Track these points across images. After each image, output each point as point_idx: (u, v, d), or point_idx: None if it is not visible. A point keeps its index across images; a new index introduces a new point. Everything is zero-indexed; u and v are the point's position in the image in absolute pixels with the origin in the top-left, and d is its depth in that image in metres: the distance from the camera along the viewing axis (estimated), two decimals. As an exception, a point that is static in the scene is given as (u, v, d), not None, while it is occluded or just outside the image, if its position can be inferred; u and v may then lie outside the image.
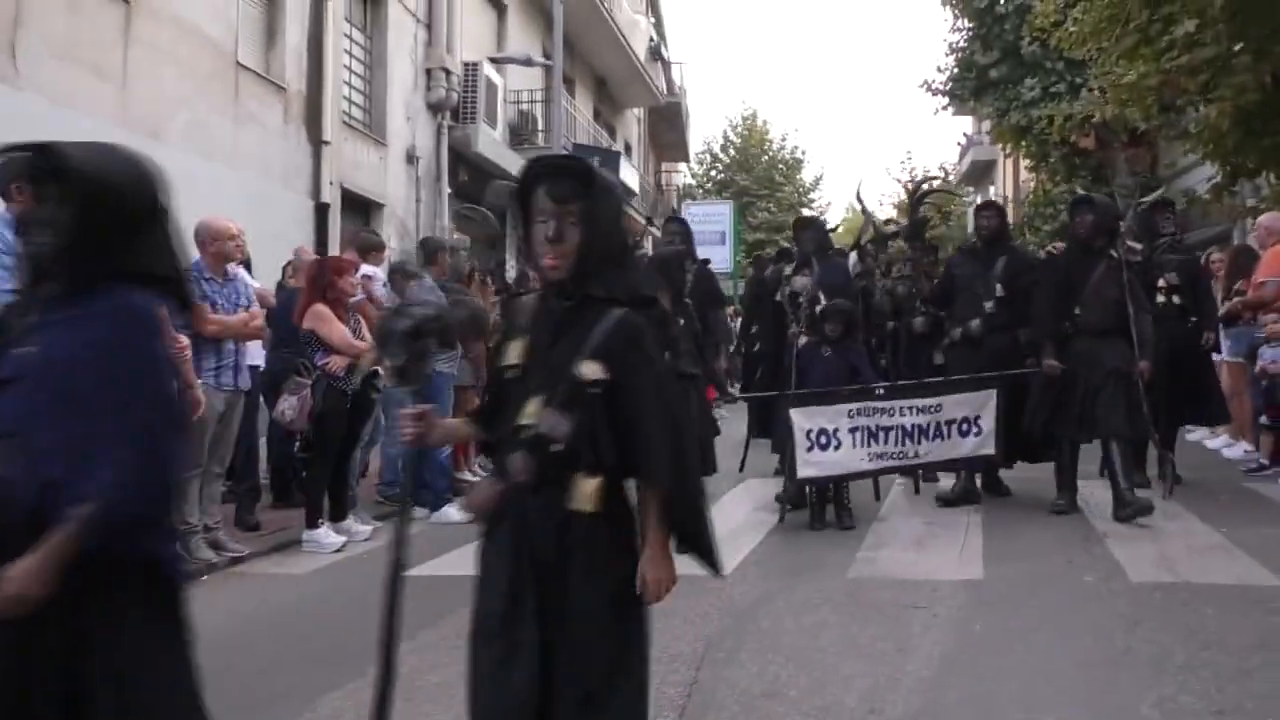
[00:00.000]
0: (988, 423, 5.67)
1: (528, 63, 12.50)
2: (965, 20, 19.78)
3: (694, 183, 34.24)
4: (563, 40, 19.24)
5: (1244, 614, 3.72)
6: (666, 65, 29.07)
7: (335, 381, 5.60)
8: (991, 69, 19.02)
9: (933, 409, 5.66)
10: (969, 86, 19.95)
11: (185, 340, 4.71)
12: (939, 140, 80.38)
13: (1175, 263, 6.71)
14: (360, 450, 6.39)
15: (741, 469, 6.84)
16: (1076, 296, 5.60)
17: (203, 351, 5.12)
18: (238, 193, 9.53)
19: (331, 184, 11.35)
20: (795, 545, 5.25)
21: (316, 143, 11.07)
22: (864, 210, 7.40)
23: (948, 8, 20.00)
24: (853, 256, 6.64)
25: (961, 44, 20.12)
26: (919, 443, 5.66)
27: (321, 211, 11.18)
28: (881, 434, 5.61)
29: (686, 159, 32.23)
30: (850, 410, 5.60)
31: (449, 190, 14.27)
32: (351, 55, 12.29)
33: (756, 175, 33.35)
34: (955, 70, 20.34)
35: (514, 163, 15.64)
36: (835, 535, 5.46)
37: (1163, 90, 10.85)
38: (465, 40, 14.73)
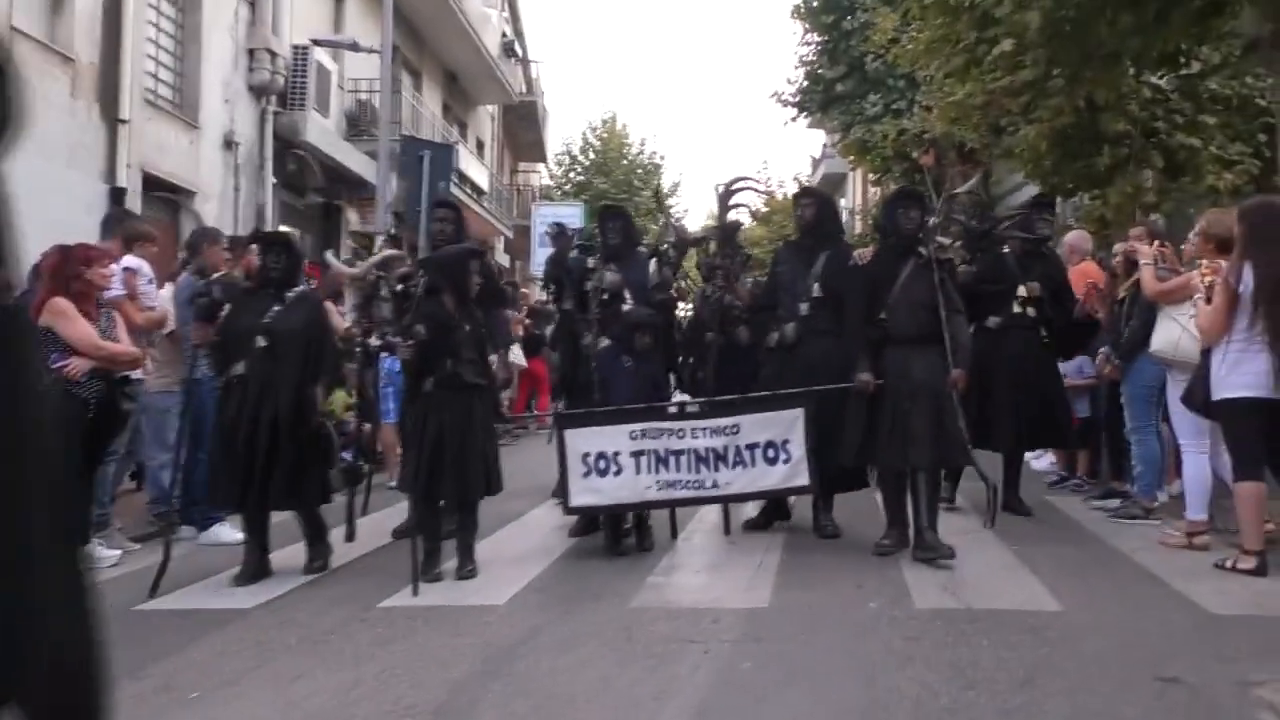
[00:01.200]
0: (797, 448, 5.06)
1: (354, 47, 11.83)
2: (814, 34, 20.09)
3: (552, 184, 33.83)
4: (408, 31, 18.60)
5: (1017, 644, 3.58)
6: (525, 63, 28.60)
7: (73, 388, 4.94)
8: (838, 83, 19.34)
9: (729, 430, 5.08)
10: (816, 99, 20.26)
11: None
12: (794, 152, 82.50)
13: (1040, 271, 6.31)
14: (116, 465, 5.71)
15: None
16: (884, 302, 5.12)
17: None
18: (9, 172, 8.56)
19: (129, 166, 10.40)
20: (583, 571, 4.89)
21: (112, 121, 10.12)
22: (661, 208, 7.11)
23: (797, 20, 20.30)
24: (651, 264, 6.13)
25: (810, 57, 20.41)
26: (716, 470, 5.06)
27: (117, 196, 10.22)
28: (671, 459, 5.04)
29: (544, 159, 31.78)
30: (633, 431, 5.04)
31: (274, 180, 13.42)
32: (159, 29, 11.34)
33: (615, 179, 33.18)
34: (804, 83, 20.63)
35: (348, 153, 14.93)
36: (631, 558, 5.12)
37: (988, 109, 11.12)
38: (296, 22, 13.89)
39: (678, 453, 5.06)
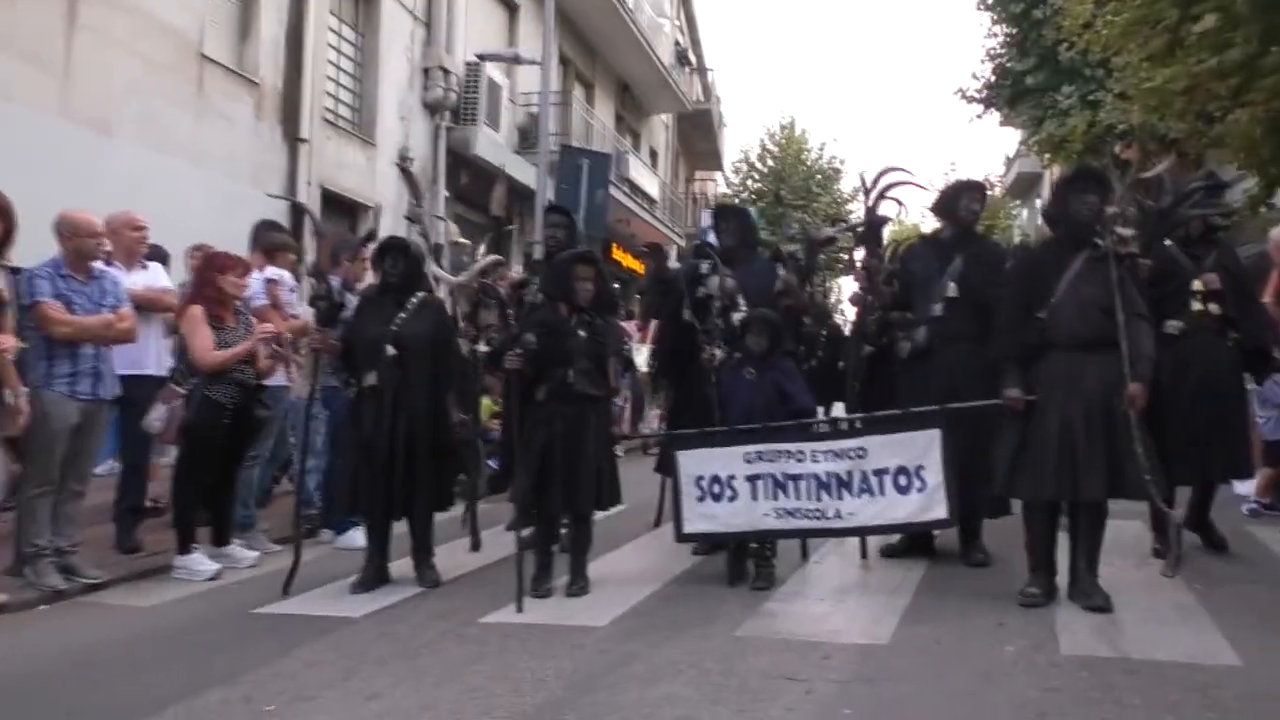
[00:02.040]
0: (933, 474, 4.40)
1: (516, 60, 12.05)
2: (1003, 26, 18.97)
3: (729, 192, 33.63)
4: (580, 43, 18.90)
5: (1178, 705, 3.05)
6: (699, 72, 28.60)
7: (209, 394, 5.13)
8: (1028, 75, 18.16)
9: (854, 454, 4.50)
10: (1004, 94, 19.11)
11: (9, 341, 4.28)
12: (985, 152, 78.06)
13: (1216, 260, 5.23)
14: (260, 469, 5.91)
15: (657, 520, 6.13)
16: (1046, 300, 4.38)
17: (55, 356, 4.69)
18: (199, 190, 9.21)
19: (309, 184, 11.00)
20: (698, 594, 4.59)
21: (293, 140, 10.72)
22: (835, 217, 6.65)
23: (985, 12, 19.24)
24: (779, 270, 5.69)
25: (998, 50, 19.28)
26: (839, 498, 4.51)
27: (298, 212, 10.81)
28: (790, 485, 4.56)
29: (720, 167, 31.63)
30: (748, 454, 4.60)
31: (446, 193, 13.87)
32: (340, 52, 11.95)
33: (793, 185, 32.64)
34: (992, 78, 19.51)
35: (517, 166, 15.24)
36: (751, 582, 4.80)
37: (1193, 95, 10.04)
38: (471, 40, 14.33)
39: (796, 477, 4.58)
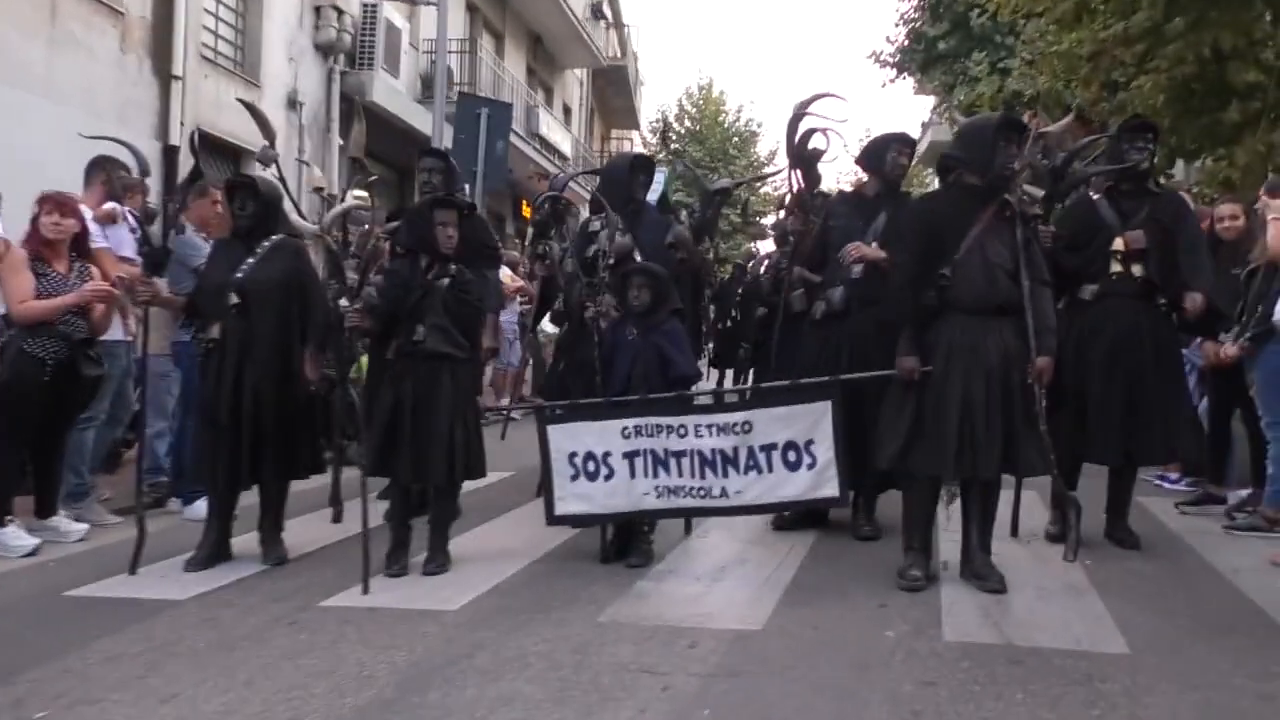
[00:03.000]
0: (824, 449, 4.06)
1: (413, 0, 11.31)
2: (916, -1, 18.88)
3: (646, 152, 33.15)
4: (488, -12, 18.12)
5: (1060, 699, 2.82)
6: (618, 27, 27.94)
7: (27, 346, 4.56)
8: (940, 41, 18.12)
9: (739, 428, 4.12)
10: (917, 59, 19.05)
11: None
12: (900, 119, 78.60)
13: (1145, 214, 4.70)
14: (97, 432, 5.34)
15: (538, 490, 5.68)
16: (947, 257, 4.00)
17: None
18: (52, 126, 8.40)
19: (183, 124, 10.19)
20: (566, 574, 4.24)
21: (165, 77, 9.91)
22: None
23: (900, -25, 19.11)
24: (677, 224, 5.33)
25: (912, 15, 19.19)
26: (725, 475, 4.13)
27: (170, 155, 10.04)
28: (673, 461, 4.17)
29: (636, 126, 31.12)
30: (625, 428, 4.21)
31: (340, 142, 13.12)
32: (218, -16, 11.08)
33: (710, 147, 32.35)
34: (905, 42, 19.42)
35: (418, 115, 14.53)
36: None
37: (1098, 61, 9.96)
38: (369, -21, 13.53)
39: (678, 454, 4.18)
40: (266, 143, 5.33)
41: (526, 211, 18.46)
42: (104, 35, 9.16)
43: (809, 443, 4.11)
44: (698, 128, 32.63)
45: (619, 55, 26.64)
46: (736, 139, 32.67)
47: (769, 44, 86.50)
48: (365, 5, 13.29)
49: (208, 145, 10.80)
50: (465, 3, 17.34)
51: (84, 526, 4.96)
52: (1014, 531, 4.76)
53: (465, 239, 5.38)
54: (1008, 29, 15.06)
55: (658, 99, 44.80)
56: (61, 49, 8.63)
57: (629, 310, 4.48)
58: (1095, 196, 4.89)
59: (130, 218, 5.35)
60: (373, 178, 5.41)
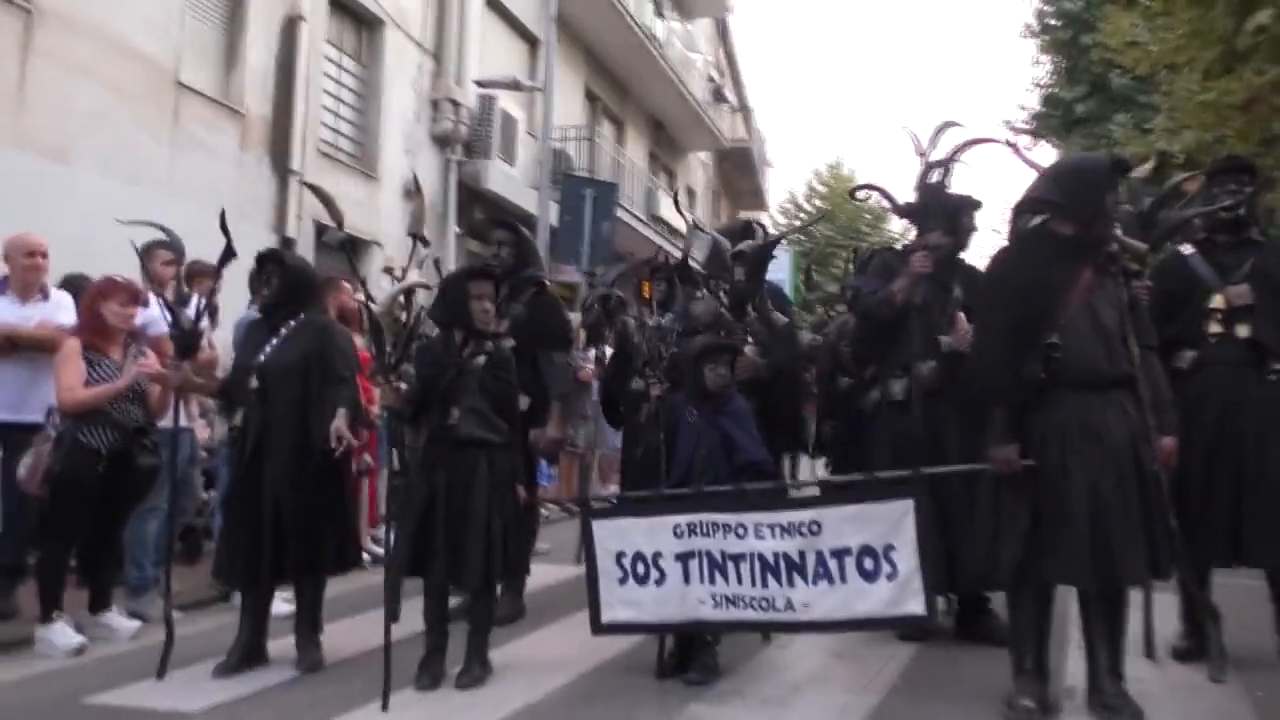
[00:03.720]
0: (906, 557, 3.41)
1: (515, 86, 11.46)
2: (1050, 54, 18.11)
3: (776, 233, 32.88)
4: (609, 79, 18.42)
5: None
6: (743, 110, 28.07)
7: (82, 436, 4.49)
8: (1078, 104, 17.21)
9: (806, 528, 3.53)
10: (1053, 124, 18.15)
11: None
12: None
13: (1249, 266, 4.03)
14: (160, 523, 5.23)
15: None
16: (1052, 322, 3.37)
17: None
18: (172, 223, 8.73)
19: (300, 218, 10.51)
20: (612, 692, 3.74)
21: (283, 173, 10.26)
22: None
23: (1031, 40, 18.42)
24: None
25: (1046, 79, 18.38)
26: (791, 584, 3.53)
27: (287, 247, 10.34)
28: (730, 566, 3.61)
29: (764, 207, 30.92)
30: (678, 526, 3.69)
31: (457, 229, 13.35)
32: (339, 83, 11.51)
33: (840, 225, 31.80)
34: (1040, 107, 18.59)
35: (534, 201, 14.69)
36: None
37: (1252, 109, 9.04)
38: (488, 73, 13.85)
39: (737, 557, 3.61)
40: (334, 224, 5.25)
41: (646, 290, 18.40)
42: (225, 135, 9.56)
43: (888, 548, 3.47)
44: (828, 206, 32.16)
45: (744, 137, 26.64)
46: (869, 215, 32.00)
47: (898, 119, 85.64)
48: (482, 97, 13.59)
49: (325, 236, 11.14)
50: (584, 92, 17.65)
51: (135, 624, 4.80)
52: (1149, 650, 3.99)
53: (534, 318, 5.12)
54: (1151, 87, 14.13)
55: (787, 181, 44.70)
56: (183, 149, 9.01)
57: (697, 391, 4.04)
58: (1188, 251, 4.21)
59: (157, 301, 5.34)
60: (429, 255, 5.18)
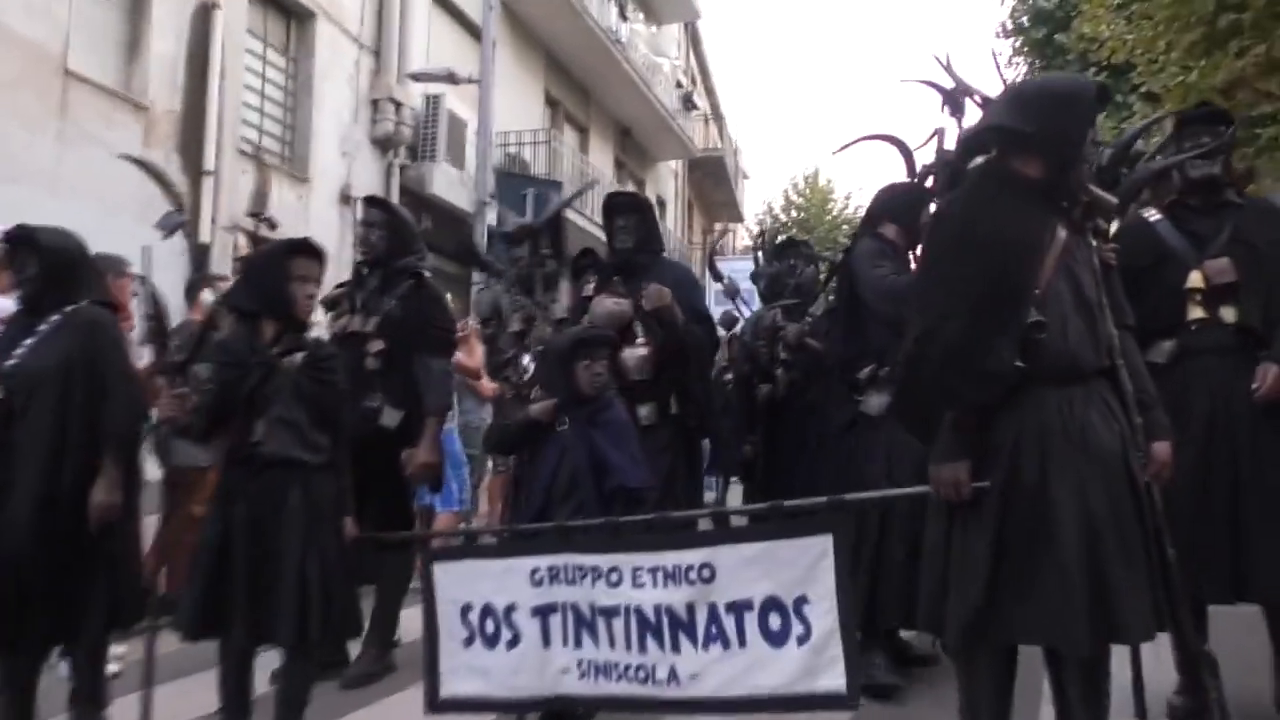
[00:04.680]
0: (823, 612, 2.57)
1: (450, 79, 10.70)
2: (1024, 55, 17.55)
3: (752, 244, 32.26)
4: (571, 84, 17.72)
5: None
6: (717, 119, 27.47)
7: None
8: (1054, 104, 16.60)
9: (697, 574, 2.69)
10: (1030, 127, 17.55)
11: None
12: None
13: (1228, 234, 3.33)
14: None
15: None
16: (1030, 292, 2.55)
17: None
18: (61, 224, 7.93)
19: (214, 221, 9.68)
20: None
21: (194, 173, 9.44)
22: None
23: (1005, 40, 17.86)
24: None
25: (1021, 80, 17.78)
26: (677, 648, 2.70)
27: (201, 253, 9.50)
28: (601, 623, 2.79)
29: (739, 218, 30.29)
30: (536, 571, 2.86)
31: (400, 237, 12.54)
32: (264, 78, 10.72)
33: (819, 236, 31.15)
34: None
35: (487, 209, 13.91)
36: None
37: (1234, 93, 8.38)
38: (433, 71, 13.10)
39: (609, 612, 2.79)
40: (173, 207, 4.46)
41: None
42: (124, 130, 8.74)
43: (800, 601, 2.62)
44: (805, 216, 31.57)
45: (717, 146, 26.00)
46: (846, 226, 31.38)
47: (869, 123, 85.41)
48: (427, 98, 12.83)
49: (249, 242, 10.32)
50: (544, 96, 16.92)
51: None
52: (1139, 711, 3.18)
53: (409, 316, 4.34)
54: (1129, 87, 13.52)
55: (764, 193, 44.21)
56: (73, 144, 8.19)
57: (572, 395, 3.24)
58: (1154, 217, 3.44)
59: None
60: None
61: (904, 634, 4.05)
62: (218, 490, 3.03)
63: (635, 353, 3.82)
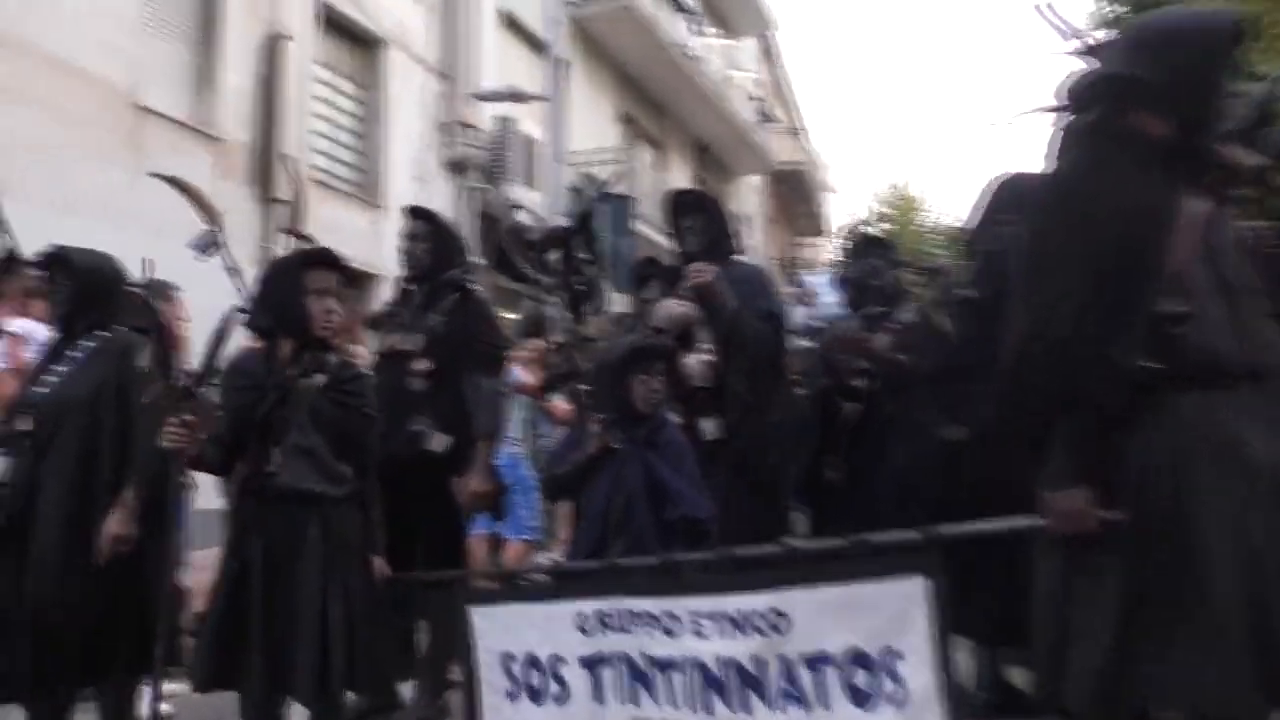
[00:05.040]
0: (919, 665, 2.15)
1: (517, 97, 10.50)
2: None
3: (837, 251, 31.55)
4: (645, 101, 17.49)
5: None
6: (798, 132, 27.01)
7: None
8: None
9: (766, 623, 2.29)
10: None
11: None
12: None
13: None
14: None
15: None
16: (1161, 276, 2.12)
17: None
18: (133, 258, 7.96)
19: (288, 250, 9.63)
20: None
21: (266, 201, 9.44)
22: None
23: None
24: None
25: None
26: (747, 708, 2.30)
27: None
28: (659, 678, 2.40)
29: (822, 232, 29.64)
30: (582, 617, 2.51)
31: (478, 259, 12.41)
32: (335, 106, 10.72)
33: (908, 248, 30.30)
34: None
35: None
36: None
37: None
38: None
39: (666, 665, 2.39)
40: (209, 226, 4.26)
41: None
42: (197, 161, 8.76)
43: (889, 654, 2.18)
44: (894, 227, 30.71)
45: (798, 159, 25.49)
46: (938, 237, 30.42)
47: (964, 137, 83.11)
48: (500, 119, 12.72)
49: (321, 271, 10.28)
50: (619, 114, 16.74)
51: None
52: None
53: (455, 332, 4.04)
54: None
55: (850, 206, 43.41)
56: (145, 178, 8.21)
57: (618, 411, 2.87)
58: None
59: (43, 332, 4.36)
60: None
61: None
62: (232, 526, 2.75)
63: (699, 357, 3.44)
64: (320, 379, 2.76)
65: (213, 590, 2.72)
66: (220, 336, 2.78)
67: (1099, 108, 2.21)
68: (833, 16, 79.25)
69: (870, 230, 3.95)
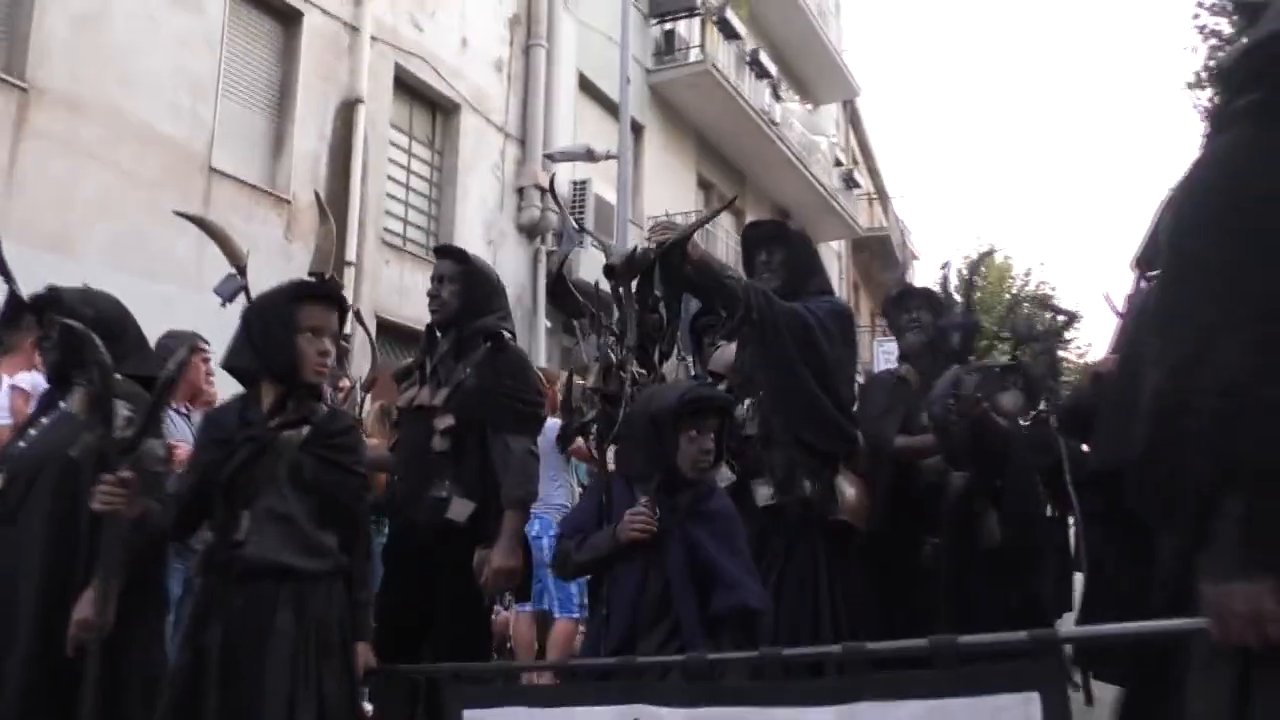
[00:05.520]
0: None
1: (588, 156, 10.27)
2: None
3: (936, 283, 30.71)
4: (725, 167, 17.27)
5: None
6: (883, 198, 26.55)
7: None
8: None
9: None
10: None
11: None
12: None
13: None
14: None
15: None
16: None
17: None
18: (203, 319, 7.86)
19: (357, 309, 9.51)
20: None
21: (337, 264, 9.34)
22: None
23: (1195, 91, 16.20)
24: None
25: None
26: None
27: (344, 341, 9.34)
28: None
29: (909, 299, 28.83)
30: None
31: (547, 323, 12.16)
32: (408, 169, 10.68)
33: (998, 315, 29.20)
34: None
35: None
36: None
37: None
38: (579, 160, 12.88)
39: None
40: (233, 270, 3.98)
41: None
42: (267, 225, 8.74)
43: None
44: (984, 296, 29.74)
45: (882, 225, 24.95)
46: (1027, 305, 29.32)
47: (1056, 201, 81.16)
48: (574, 183, 12.57)
49: (389, 333, 10.11)
50: (697, 179, 16.53)
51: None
52: None
53: (486, 386, 3.58)
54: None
55: (936, 272, 42.41)
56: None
57: (661, 473, 2.41)
58: None
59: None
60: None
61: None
62: (192, 607, 2.34)
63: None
64: (303, 431, 2.37)
65: (164, 684, 2.30)
66: (169, 380, 2.40)
67: (1265, 80, 1.69)
68: (920, 82, 78.92)
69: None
